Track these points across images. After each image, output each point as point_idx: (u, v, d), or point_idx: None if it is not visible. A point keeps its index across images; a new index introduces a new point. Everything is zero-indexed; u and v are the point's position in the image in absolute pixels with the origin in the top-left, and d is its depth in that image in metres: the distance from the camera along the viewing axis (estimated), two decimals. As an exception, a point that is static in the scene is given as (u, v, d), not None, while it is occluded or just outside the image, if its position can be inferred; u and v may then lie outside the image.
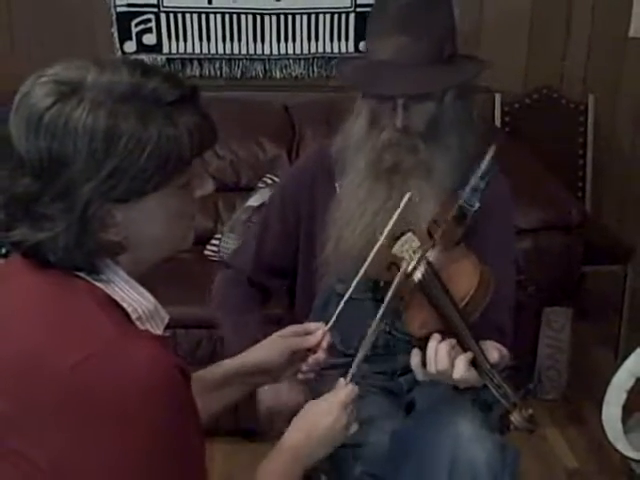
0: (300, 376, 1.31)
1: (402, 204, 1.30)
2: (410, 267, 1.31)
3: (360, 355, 1.25)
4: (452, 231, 1.36)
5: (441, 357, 1.22)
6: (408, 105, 1.38)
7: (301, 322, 1.63)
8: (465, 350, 1.24)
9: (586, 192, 3.22)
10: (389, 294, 1.28)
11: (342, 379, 1.23)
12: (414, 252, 1.34)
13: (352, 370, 1.24)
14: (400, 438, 1.37)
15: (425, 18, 1.38)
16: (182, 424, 0.93)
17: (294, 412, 1.37)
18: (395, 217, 1.30)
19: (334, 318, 1.29)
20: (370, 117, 1.44)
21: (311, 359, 1.29)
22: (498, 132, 3.09)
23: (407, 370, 1.54)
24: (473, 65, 1.47)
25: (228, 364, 1.30)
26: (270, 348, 1.29)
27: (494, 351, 1.25)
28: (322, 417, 1.16)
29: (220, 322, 1.62)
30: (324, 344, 1.28)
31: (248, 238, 1.68)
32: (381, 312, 1.28)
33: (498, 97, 3.17)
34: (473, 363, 1.22)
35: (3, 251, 0.97)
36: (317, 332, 1.29)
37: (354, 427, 1.20)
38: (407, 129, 1.40)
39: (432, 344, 1.24)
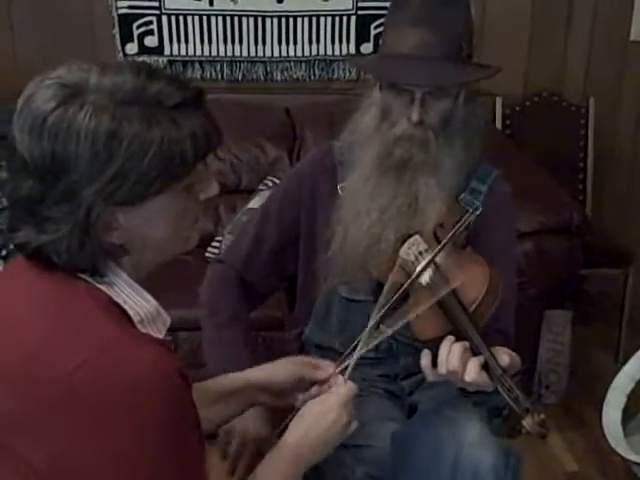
0: (299, 404, 1.29)
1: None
2: (417, 270, 1.31)
3: (359, 351, 1.24)
4: (457, 234, 1.36)
5: (453, 358, 1.22)
6: (426, 99, 1.38)
7: (301, 324, 1.64)
8: (476, 354, 1.23)
9: (587, 195, 3.23)
10: (386, 288, 1.28)
11: (340, 376, 1.22)
12: (421, 255, 1.34)
13: (350, 366, 1.23)
14: (402, 440, 1.36)
15: (446, 14, 1.37)
16: (182, 427, 0.93)
17: (255, 440, 1.37)
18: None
19: (349, 368, 1.24)
20: (383, 110, 1.43)
21: (314, 391, 1.26)
22: (500, 136, 3.10)
23: (409, 373, 1.54)
24: (488, 68, 1.47)
25: (236, 377, 1.29)
26: (280, 370, 1.28)
27: (505, 356, 1.24)
28: (322, 417, 1.15)
29: (204, 326, 1.58)
30: (332, 383, 1.25)
31: (243, 236, 1.66)
32: (378, 312, 1.27)
33: (499, 100, 3.17)
34: (485, 367, 1.22)
35: (3, 253, 0.97)
36: (328, 369, 1.27)
37: (354, 425, 1.17)
38: (422, 123, 1.39)
39: (445, 344, 1.23)
